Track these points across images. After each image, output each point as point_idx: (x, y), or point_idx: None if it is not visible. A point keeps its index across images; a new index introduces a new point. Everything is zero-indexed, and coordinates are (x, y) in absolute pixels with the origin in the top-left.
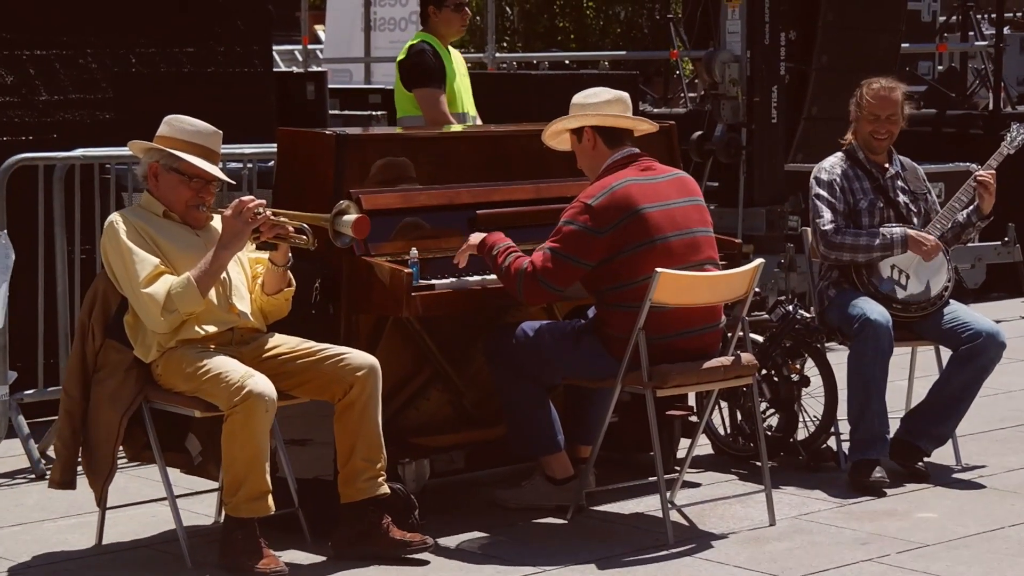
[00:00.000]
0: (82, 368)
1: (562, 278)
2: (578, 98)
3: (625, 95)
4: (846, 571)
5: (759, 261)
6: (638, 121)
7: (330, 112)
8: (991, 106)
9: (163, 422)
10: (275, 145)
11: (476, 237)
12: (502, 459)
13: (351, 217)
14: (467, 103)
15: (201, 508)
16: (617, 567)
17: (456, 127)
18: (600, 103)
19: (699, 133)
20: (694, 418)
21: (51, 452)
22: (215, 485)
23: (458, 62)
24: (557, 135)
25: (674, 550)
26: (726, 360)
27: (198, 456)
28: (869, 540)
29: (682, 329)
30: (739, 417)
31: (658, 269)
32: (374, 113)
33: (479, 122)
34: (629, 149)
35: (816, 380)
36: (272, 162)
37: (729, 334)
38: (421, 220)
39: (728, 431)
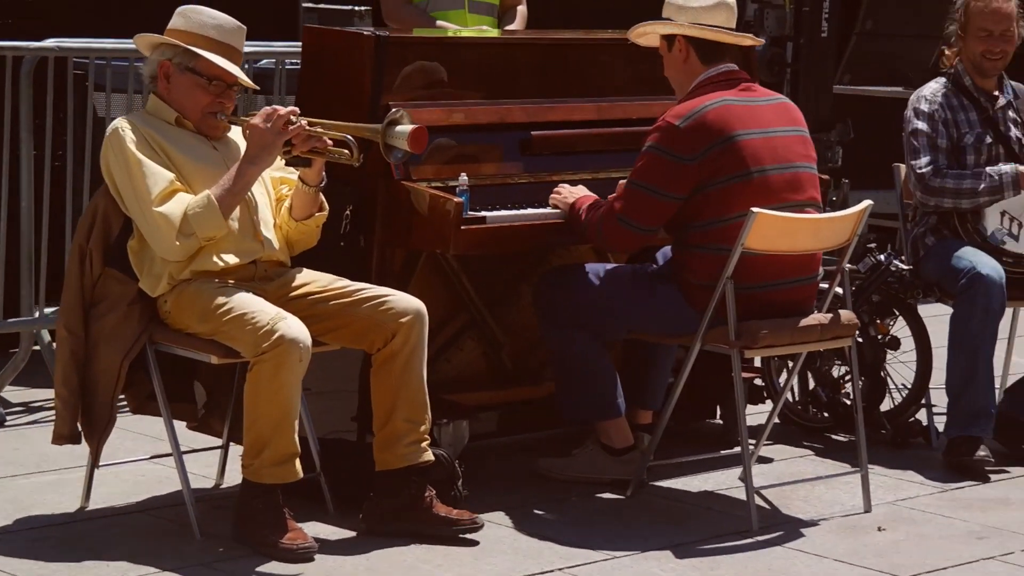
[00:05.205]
0: (82, 301)
1: (647, 215)
2: None
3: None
4: (966, 570)
5: (867, 203)
6: (741, 37)
7: (303, 4)
8: None
9: (166, 368)
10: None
11: (571, 196)
12: (539, 423)
13: (406, 127)
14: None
15: (196, 468)
16: (698, 555)
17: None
18: (700, 8)
19: None
20: (759, 381)
21: (6, 394)
22: (215, 442)
23: None
24: (644, 35)
25: (760, 538)
26: (823, 318)
27: (202, 409)
28: (986, 534)
29: (776, 279)
30: (811, 382)
31: (754, 209)
32: (356, 8)
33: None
34: (727, 65)
35: (906, 342)
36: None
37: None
38: (466, 140)
39: (797, 398)
